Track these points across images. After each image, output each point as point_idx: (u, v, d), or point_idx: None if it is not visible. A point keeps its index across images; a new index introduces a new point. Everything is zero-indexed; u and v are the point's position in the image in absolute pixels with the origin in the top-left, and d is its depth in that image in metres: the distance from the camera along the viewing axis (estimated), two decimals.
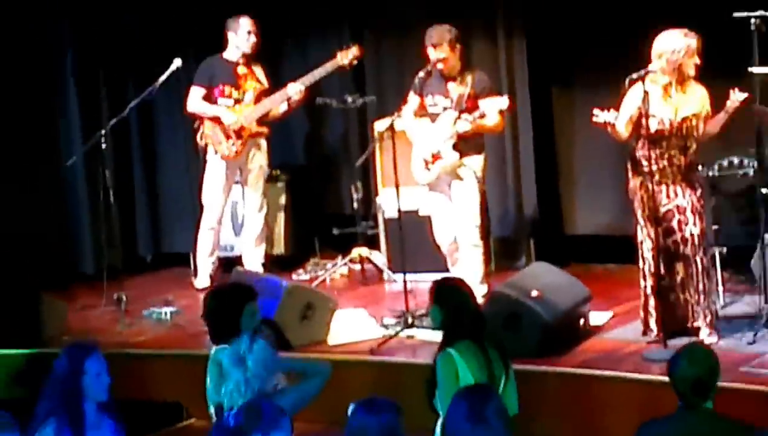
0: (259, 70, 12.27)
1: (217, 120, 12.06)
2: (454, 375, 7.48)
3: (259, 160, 12.35)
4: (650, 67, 9.91)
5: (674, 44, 9.87)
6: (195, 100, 12.08)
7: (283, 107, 12.23)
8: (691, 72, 9.99)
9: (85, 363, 6.91)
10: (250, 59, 12.18)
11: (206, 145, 12.24)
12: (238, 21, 12.08)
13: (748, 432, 6.45)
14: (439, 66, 11.08)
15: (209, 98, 12.09)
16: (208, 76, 12.11)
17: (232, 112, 12.10)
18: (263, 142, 12.34)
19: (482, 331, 7.61)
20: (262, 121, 12.21)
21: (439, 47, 11.00)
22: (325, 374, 7.44)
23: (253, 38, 12.07)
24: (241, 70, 12.14)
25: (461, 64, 11.14)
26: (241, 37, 12.06)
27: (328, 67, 12.07)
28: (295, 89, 12.03)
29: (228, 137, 12.11)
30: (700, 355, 6.68)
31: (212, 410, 7.48)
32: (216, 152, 12.19)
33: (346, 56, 11.99)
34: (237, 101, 12.15)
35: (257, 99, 12.12)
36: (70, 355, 6.99)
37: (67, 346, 7.26)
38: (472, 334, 7.55)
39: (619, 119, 9.94)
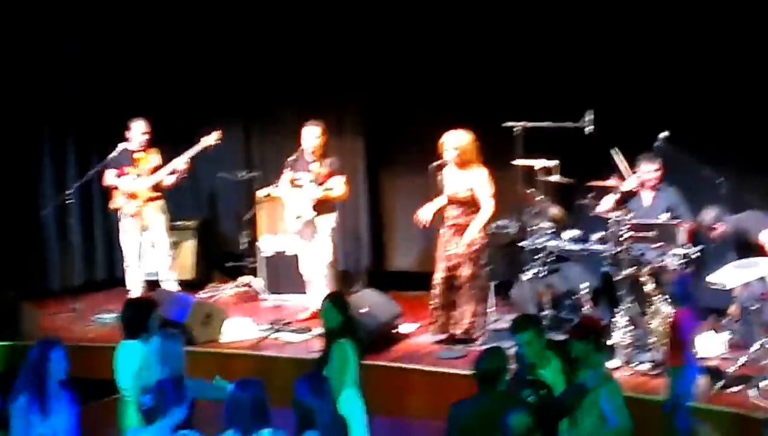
0: (153, 154, 12.57)
1: (111, 191, 12.59)
2: (347, 357, 8.34)
3: (159, 215, 12.67)
4: (445, 157, 10.86)
5: (460, 140, 10.94)
6: (108, 178, 12.58)
7: (172, 178, 12.53)
8: (473, 158, 10.92)
9: (50, 353, 7.61)
10: (146, 146, 12.53)
11: (117, 208, 12.65)
12: (134, 123, 12.52)
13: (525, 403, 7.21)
14: (309, 150, 11.83)
15: (119, 176, 12.51)
16: (116, 162, 12.50)
17: (131, 184, 12.48)
18: (160, 202, 12.62)
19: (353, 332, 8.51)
20: (157, 188, 12.52)
21: (310, 137, 11.84)
22: (225, 392, 6.97)
23: (145, 136, 12.53)
24: (138, 155, 12.52)
25: (321, 151, 11.93)
26: (136, 134, 12.52)
27: (197, 147, 12.44)
28: (177, 164, 12.45)
29: (129, 200, 12.55)
30: (491, 355, 7.53)
31: (125, 389, 7.90)
32: (124, 213, 12.65)
33: (211, 139, 12.48)
34: (138, 175, 12.50)
35: (151, 173, 12.49)
36: (40, 347, 7.66)
37: (38, 340, 7.93)
38: (351, 333, 8.53)
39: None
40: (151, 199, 12.63)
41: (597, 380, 7.65)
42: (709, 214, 10.51)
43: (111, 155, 12.61)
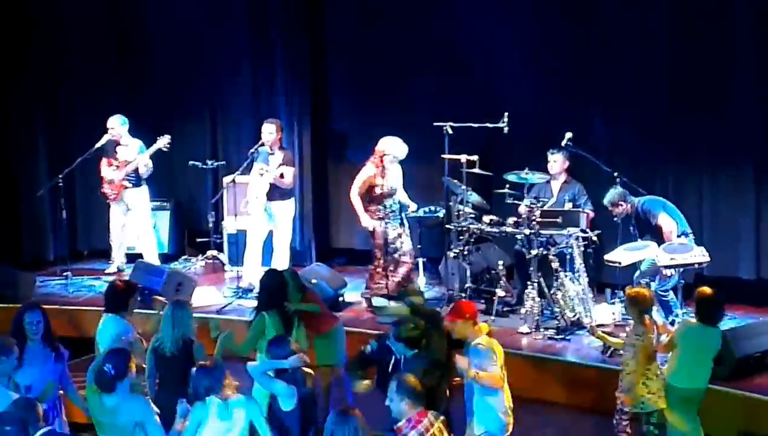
0: (134, 145, 12.35)
1: (102, 179, 12.47)
2: (262, 329, 8.30)
3: (136, 198, 12.50)
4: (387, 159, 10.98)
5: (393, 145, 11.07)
6: (102, 166, 12.43)
7: (143, 169, 12.33)
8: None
9: (24, 315, 7.54)
10: (127, 139, 12.35)
11: (104, 192, 12.52)
12: (115, 117, 12.30)
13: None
14: (267, 144, 11.62)
15: (108, 166, 12.39)
16: (105, 152, 12.36)
17: (109, 173, 12.38)
18: (142, 187, 12.47)
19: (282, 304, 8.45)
20: (131, 175, 12.32)
21: (272, 125, 11.67)
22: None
23: (124, 129, 12.30)
24: (119, 148, 12.36)
25: (278, 146, 11.77)
26: (117, 127, 12.28)
27: (154, 147, 12.24)
28: (141, 159, 12.25)
29: (110, 187, 12.47)
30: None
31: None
32: (107, 197, 12.58)
33: (165, 141, 12.24)
34: (117, 167, 12.33)
35: (125, 166, 12.29)
36: (19, 310, 7.68)
37: (22, 304, 8.09)
38: (278, 305, 8.42)
39: (354, 186, 10.99)
40: (129, 185, 12.51)
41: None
42: (613, 193, 10.30)
43: (96, 146, 12.43)
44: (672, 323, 9.64)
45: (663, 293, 10.01)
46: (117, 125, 12.39)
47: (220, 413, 6.73)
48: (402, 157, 11.21)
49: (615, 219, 10.43)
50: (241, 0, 13.47)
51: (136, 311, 8.30)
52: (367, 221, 11.19)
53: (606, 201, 10.36)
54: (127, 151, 12.44)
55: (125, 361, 6.81)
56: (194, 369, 6.90)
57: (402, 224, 11.38)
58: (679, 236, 10.03)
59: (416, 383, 6.37)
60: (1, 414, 6.01)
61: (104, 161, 12.48)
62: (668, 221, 10.07)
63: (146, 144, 12.43)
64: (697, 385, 7.87)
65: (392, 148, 11.13)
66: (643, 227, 10.26)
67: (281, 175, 11.76)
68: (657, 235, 10.06)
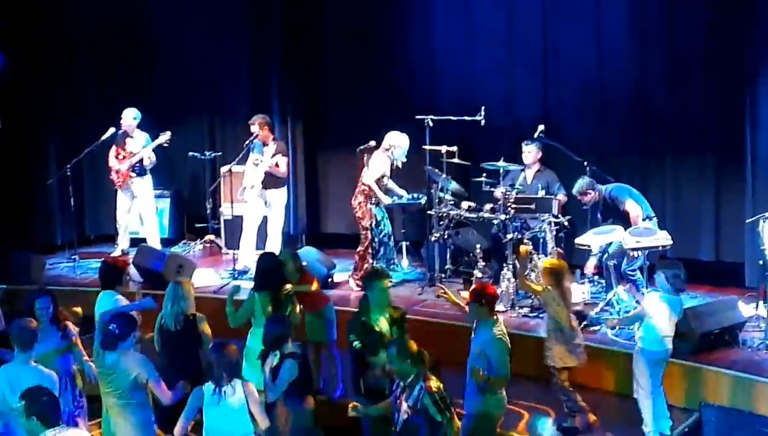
0: (141, 138, 12.43)
1: (110, 168, 12.50)
2: (251, 307, 8.36)
3: (141, 186, 12.54)
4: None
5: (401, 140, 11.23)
6: (111, 156, 12.49)
7: (147, 160, 12.38)
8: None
9: (35, 301, 7.75)
10: (135, 132, 12.43)
11: (112, 180, 12.55)
12: (126, 111, 12.37)
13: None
14: (260, 136, 11.70)
15: (116, 156, 12.44)
16: (115, 142, 12.41)
17: (117, 163, 12.41)
18: (147, 177, 12.50)
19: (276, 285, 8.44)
20: (136, 165, 12.35)
21: (255, 125, 11.74)
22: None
23: (135, 122, 12.39)
24: (128, 139, 12.42)
25: (270, 137, 11.83)
26: (127, 120, 12.37)
27: (156, 142, 12.34)
28: (144, 153, 12.32)
29: (117, 175, 12.50)
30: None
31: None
32: (114, 184, 12.61)
33: (166, 136, 12.33)
34: (124, 157, 12.38)
35: (130, 157, 12.35)
36: (30, 296, 7.91)
37: (31, 291, 8.32)
38: (270, 286, 8.45)
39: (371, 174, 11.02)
40: (134, 175, 12.54)
41: (487, 335, 7.36)
42: (581, 182, 10.35)
43: (103, 138, 12.47)
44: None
45: (631, 273, 10.13)
46: (130, 118, 12.47)
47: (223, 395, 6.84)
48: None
49: (584, 207, 10.51)
50: (240, 3, 13.54)
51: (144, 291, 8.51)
52: (387, 201, 11.35)
53: (575, 190, 10.41)
54: (134, 143, 12.51)
55: (129, 323, 7.03)
56: (210, 347, 7.10)
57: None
58: (644, 220, 10.13)
59: (414, 346, 6.77)
60: (37, 387, 6.15)
61: (113, 151, 12.53)
62: (634, 207, 10.15)
63: (152, 137, 12.52)
64: (666, 347, 8.10)
65: (402, 142, 11.28)
66: (609, 212, 10.32)
67: (276, 165, 11.81)
68: (623, 219, 10.14)
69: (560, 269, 8.31)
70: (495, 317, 7.45)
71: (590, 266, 10.56)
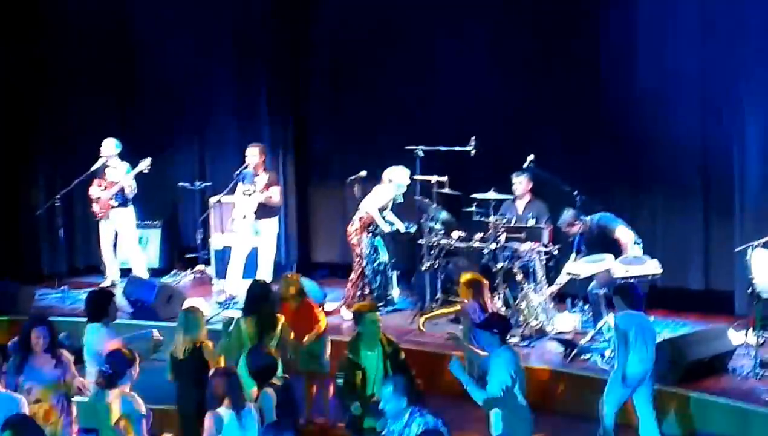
0: (122, 168, 12.33)
1: (91, 198, 12.40)
2: (236, 333, 8.47)
3: (123, 217, 12.42)
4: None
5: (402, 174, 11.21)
6: (92, 187, 12.37)
7: (129, 190, 12.25)
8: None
9: (34, 329, 7.53)
10: (116, 162, 12.33)
11: (94, 211, 12.42)
12: (106, 141, 12.28)
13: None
14: (252, 166, 11.60)
15: (98, 186, 12.34)
16: (96, 174, 12.34)
17: (98, 193, 12.32)
18: (128, 207, 12.38)
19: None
20: (118, 195, 12.23)
21: (255, 153, 11.67)
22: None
23: (116, 152, 12.30)
24: (108, 169, 12.33)
25: (262, 168, 11.78)
26: (108, 151, 12.29)
27: (136, 169, 12.25)
28: (125, 181, 12.21)
29: (99, 206, 12.41)
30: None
31: (87, 361, 7.88)
32: (96, 216, 12.51)
33: (146, 164, 12.21)
34: (105, 187, 12.30)
35: (111, 187, 12.26)
36: (27, 323, 7.68)
37: (29, 316, 8.27)
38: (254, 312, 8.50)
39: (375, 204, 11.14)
40: (116, 205, 12.45)
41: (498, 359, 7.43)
42: (567, 215, 10.33)
43: (93, 167, 12.46)
44: None
45: None
46: (111, 148, 12.40)
47: (233, 420, 6.70)
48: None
49: (570, 239, 10.49)
50: (228, 31, 13.58)
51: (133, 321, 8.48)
52: (387, 229, 11.39)
53: (560, 223, 10.38)
54: (114, 173, 12.44)
55: (124, 361, 6.91)
56: (211, 373, 7.02)
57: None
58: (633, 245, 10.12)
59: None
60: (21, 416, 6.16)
61: (95, 181, 12.49)
62: (626, 233, 10.10)
63: (134, 166, 12.45)
64: (647, 366, 8.04)
65: (402, 177, 11.33)
66: (594, 243, 10.25)
67: (269, 197, 11.79)
68: (609, 248, 10.07)
69: (478, 281, 8.53)
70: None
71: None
